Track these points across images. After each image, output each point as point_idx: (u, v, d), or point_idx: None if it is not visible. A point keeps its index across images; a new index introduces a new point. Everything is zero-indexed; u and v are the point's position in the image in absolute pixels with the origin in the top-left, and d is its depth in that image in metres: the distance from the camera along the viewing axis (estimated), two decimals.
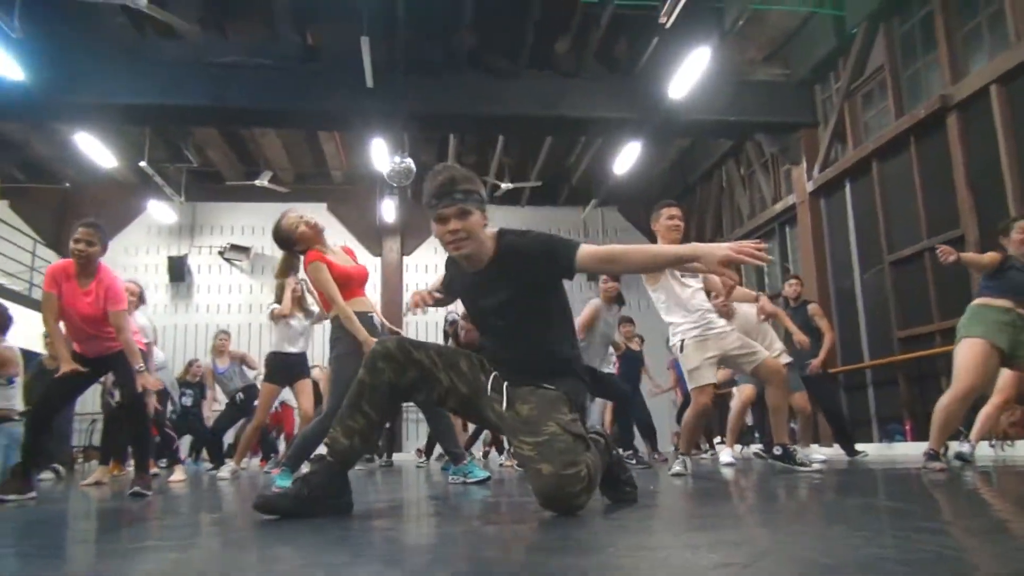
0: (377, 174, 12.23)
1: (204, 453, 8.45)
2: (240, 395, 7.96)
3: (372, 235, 15.22)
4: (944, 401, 4.26)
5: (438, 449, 9.03)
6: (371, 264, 14.26)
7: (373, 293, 13.83)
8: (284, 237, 4.09)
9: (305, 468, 3.22)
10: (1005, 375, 5.01)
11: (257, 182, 13.33)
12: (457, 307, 3.88)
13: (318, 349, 7.65)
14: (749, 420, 9.38)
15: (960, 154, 7.89)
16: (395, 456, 9.67)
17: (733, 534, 1.95)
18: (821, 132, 10.59)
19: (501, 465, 7.40)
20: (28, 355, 6.84)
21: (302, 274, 4.29)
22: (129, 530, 2.56)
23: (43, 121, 11.44)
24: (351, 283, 4.06)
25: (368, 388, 2.45)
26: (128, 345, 4.15)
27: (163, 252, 14.57)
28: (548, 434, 2.32)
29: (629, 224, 15.80)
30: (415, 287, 9.82)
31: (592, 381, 6.02)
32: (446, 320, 7.61)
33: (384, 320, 4.21)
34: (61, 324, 4.20)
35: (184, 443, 8.57)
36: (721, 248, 2.32)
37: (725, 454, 6.33)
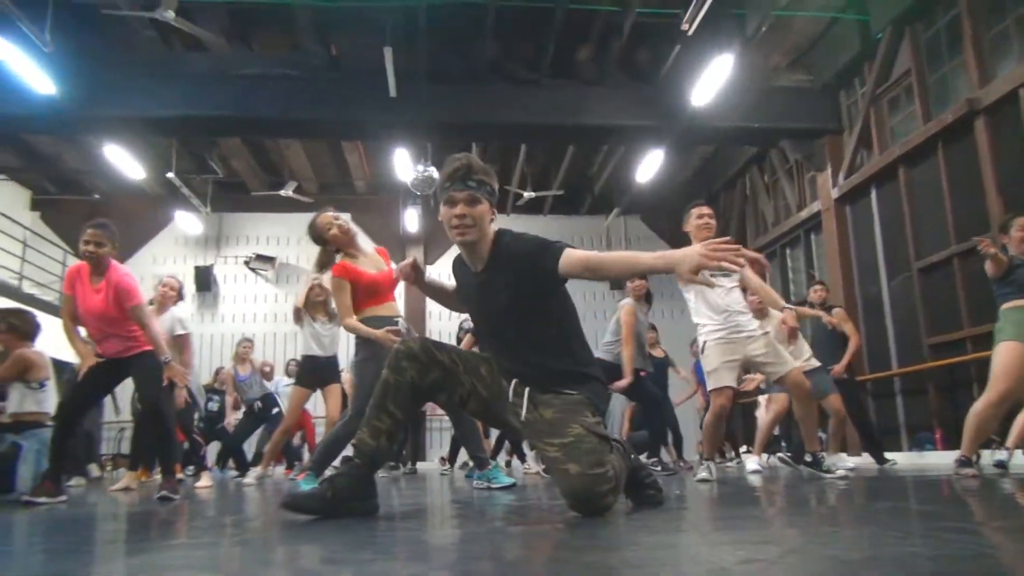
0: (400, 183, 12.29)
1: (231, 461, 8.53)
2: (258, 403, 8.05)
3: (395, 244, 15.27)
4: (978, 406, 4.20)
5: (462, 457, 9.06)
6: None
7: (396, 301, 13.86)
8: (316, 235, 4.21)
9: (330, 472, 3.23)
10: None
11: (282, 192, 13.46)
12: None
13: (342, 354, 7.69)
14: (776, 429, 9.30)
15: (989, 158, 7.78)
16: (419, 465, 9.68)
17: (759, 534, 1.93)
18: (846, 138, 10.50)
19: (525, 472, 7.39)
20: (59, 364, 6.95)
21: (326, 278, 4.37)
22: (157, 529, 2.59)
23: (73, 134, 11.64)
24: (380, 290, 4.13)
25: (392, 387, 2.46)
26: (153, 339, 4.22)
27: (190, 262, 14.74)
28: (574, 435, 2.33)
29: (652, 233, 15.73)
30: None
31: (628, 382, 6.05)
32: (460, 328, 7.64)
33: (411, 326, 4.25)
34: (82, 329, 4.30)
35: (211, 450, 8.63)
36: (692, 256, 2.22)
37: (752, 462, 6.27)
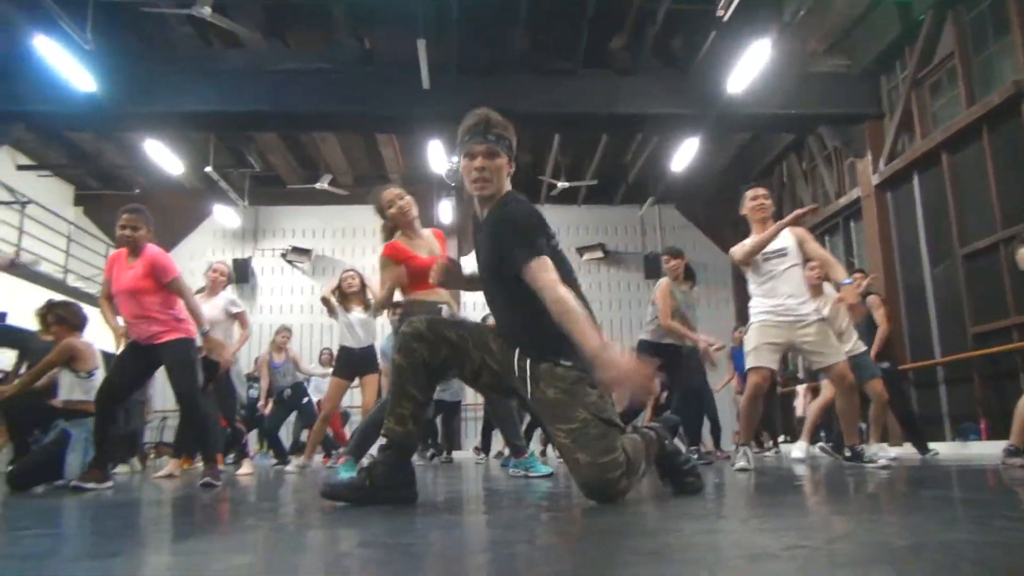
0: (434, 175, 12.34)
1: (271, 450, 8.68)
2: (288, 391, 8.17)
3: None
4: None
5: (496, 446, 9.09)
6: None
7: None
8: (378, 208, 4.26)
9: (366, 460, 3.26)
10: None
11: (317, 185, 13.58)
12: None
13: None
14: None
15: None
16: (454, 454, 9.73)
17: (802, 521, 1.90)
18: (887, 123, 10.28)
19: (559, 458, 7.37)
20: (108, 356, 7.10)
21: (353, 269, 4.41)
22: (199, 514, 2.64)
23: (113, 131, 11.86)
24: (428, 275, 4.15)
25: (408, 371, 2.49)
26: (193, 309, 4.37)
27: (228, 255, 14.93)
28: (580, 421, 2.33)
29: (688, 222, 15.57)
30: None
31: (670, 363, 6.01)
32: (483, 320, 7.65)
33: (456, 312, 4.27)
34: (120, 320, 4.44)
35: (252, 437, 8.78)
36: (612, 370, 2.16)
37: (798, 449, 6.16)
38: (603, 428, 2.33)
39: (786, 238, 4.55)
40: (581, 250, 14.90)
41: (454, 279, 2.93)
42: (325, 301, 6.30)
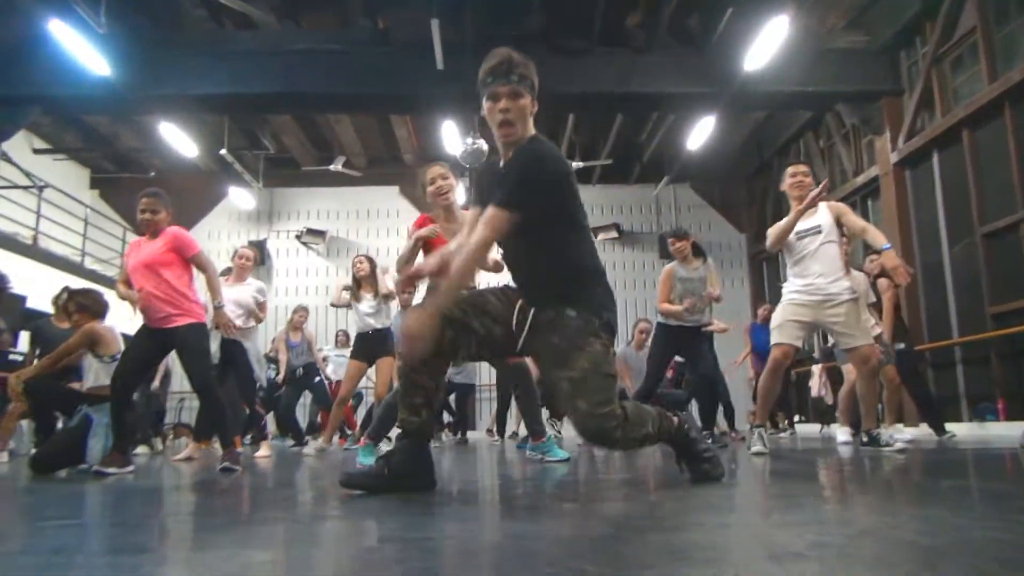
0: (449, 156, 12.29)
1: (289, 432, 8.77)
2: (300, 370, 8.27)
3: None
4: None
5: (510, 428, 9.13)
6: None
7: None
8: (420, 183, 4.30)
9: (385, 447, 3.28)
10: None
11: (331, 167, 13.58)
12: None
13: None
14: (830, 400, 9.17)
15: None
16: (468, 435, 9.77)
17: (823, 514, 1.89)
18: (906, 100, 10.13)
19: (579, 444, 7.39)
20: (128, 340, 7.18)
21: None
22: (218, 503, 2.66)
23: (128, 114, 11.87)
24: None
25: (416, 359, 2.47)
26: (212, 282, 4.52)
27: (243, 237, 15.00)
28: (581, 369, 2.36)
29: (703, 201, 15.46)
30: None
31: (688, 344, 6.02)
32: None
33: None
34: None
35: (271, 419, 8.85)
36: (407, 319, 2.35)
37: (843, 433, 6.09)
38: (602, 381, 2.38)
39: (822, 215, 4.51)
40: (596, 230, 14.80)
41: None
42: (345, 303, 6.45)
